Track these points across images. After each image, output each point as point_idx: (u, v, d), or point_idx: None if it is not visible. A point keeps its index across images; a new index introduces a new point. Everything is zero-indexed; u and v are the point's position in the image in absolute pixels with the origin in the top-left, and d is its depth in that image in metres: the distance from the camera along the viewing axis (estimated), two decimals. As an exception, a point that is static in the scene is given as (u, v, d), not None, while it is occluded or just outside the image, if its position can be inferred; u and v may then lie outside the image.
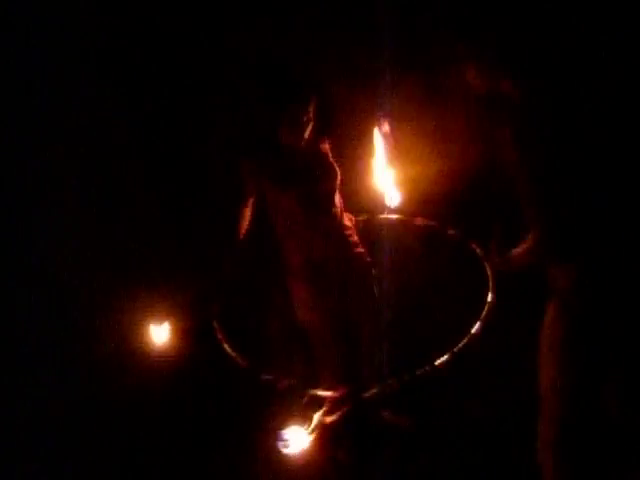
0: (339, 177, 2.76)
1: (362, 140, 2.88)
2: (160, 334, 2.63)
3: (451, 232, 2.97)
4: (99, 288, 3.63)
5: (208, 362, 3.05)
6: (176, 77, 4.00)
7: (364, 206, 3.08)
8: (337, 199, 2.79)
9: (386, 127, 2.73)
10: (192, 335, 2.83)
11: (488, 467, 2.81)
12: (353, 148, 3.15)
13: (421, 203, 3.36)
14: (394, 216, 2.99)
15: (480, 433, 2.94)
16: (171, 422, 3.22)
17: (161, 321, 2.66)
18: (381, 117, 2.75)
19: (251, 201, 2.74)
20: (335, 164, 2.77)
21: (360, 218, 3.01)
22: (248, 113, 2.91)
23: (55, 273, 3.59)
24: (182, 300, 2.81)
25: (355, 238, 2.83)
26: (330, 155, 2.78)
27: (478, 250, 2.80)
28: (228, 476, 2.95)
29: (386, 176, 2.83)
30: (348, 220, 2.84)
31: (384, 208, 2.93)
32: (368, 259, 2.85)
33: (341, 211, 2.81)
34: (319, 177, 2.72)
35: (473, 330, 2.42)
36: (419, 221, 3.05)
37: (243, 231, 2.76)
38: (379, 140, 2.74)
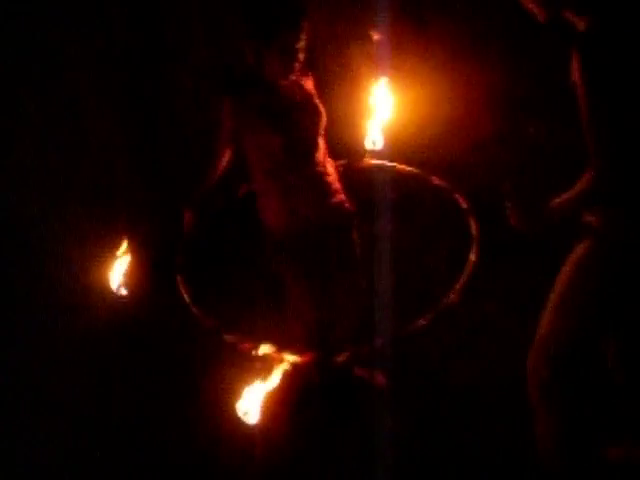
0: (324, 119, 2.55)
1: (346, 78, 2.66)
2: (119, 272, 2.41)
3: (436, 182, 2.76)
4: (58, 222, 3.40)
5: (168, 310, 2.86)
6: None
7: (345, 149, 2.86)
8: (321, 143, 2.58)
9: (374, 64, 2.49)
10: (153, 279, 2.65)
11: (469, 425, 2.70)
12: (335, 86, 2.95)
13: (409, 148, 3.18)
14: (376, 162, 2.78)
15: (461, 392, 2.82)
16: (124, 370, 3.07)
17: (121, 259, 2.43)
18: (369, 53, 2.50)
19: (228, 142, 2.51)
20: (321, 105, 2.56)
21: (340, 162, 2.79)
22: (232, 42, 2.65)
23: (13, 208, 3.35)
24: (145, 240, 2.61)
25: (337, 185, 2.63)
26: (316, 95, 2.57)
27: (463, 202, 2.61)
28: (181, 434, 2.80)
29: (371, 117, 2.62)
30: (331, 166, 2.64)
31: (366, 152, 2.72)
32: (350, 208, 2.65)
33: (324, 156, 2.61)
34: (305, 118, 2.51)
35: (451, 296, 2.24)
36: (402, 168, 2.82)
37: (219, 173, 2.55)
38: (367, 78, 2.51)
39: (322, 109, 2.55)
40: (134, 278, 2.36)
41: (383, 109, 2.65)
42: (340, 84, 2.94)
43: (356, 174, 2.80)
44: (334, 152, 2.74)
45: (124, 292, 2.36)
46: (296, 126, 2.47)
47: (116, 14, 3.58)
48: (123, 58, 3.63)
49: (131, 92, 3.62)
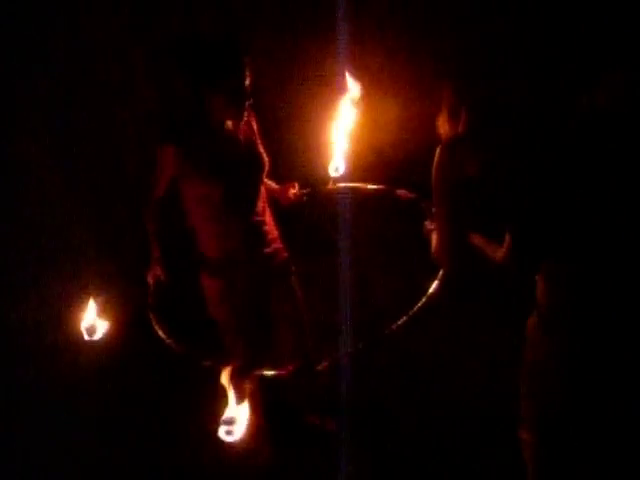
0: (267, 167, 2.54)
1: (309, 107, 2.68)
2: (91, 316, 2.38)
3: (401, 192, 2.74)
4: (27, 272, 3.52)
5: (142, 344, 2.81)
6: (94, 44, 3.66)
7: (309, 177, 2.88)
8: (262, 192, 2.57)
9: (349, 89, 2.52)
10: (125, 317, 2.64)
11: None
12: (298, 114, 2.96)
13: (374, 172, 3.19)
14: (341, 184, 2.79)
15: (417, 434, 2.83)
16: (105, 408, 3.10)
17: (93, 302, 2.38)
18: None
19: (166, 189, 2.45)
20: (264, 153, 2.54)
21: (305, 190, 2.79)
22: (174, 89, 2.65)
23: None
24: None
25: (275, 234, 2.62)
26: (259, 142, 2.55)
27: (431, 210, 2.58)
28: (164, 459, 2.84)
29: (334, 144, 2.62)
30: (269, 215, 2.61)
31: (330, 179, 2.74)
32: (286, 257, 2.65)
33: (264, 204, 2.58)
34: (248, 167, 2.46)
35: (428, 293, 2.19)
36: (367, 187, 2.83)
37: (159, 221, 2.50)
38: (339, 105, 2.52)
39: (265, 157, 2.52)
40: (107, 321, 2.33)
41: (345, 135, 2.66)
42: (303, 113, 2.95)
43: (321, 200, 2.80)
44: (298, 180, 2.77)
45: (96, 337, 2.33)
46: (239, 175, 2.42)
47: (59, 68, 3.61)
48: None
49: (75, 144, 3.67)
